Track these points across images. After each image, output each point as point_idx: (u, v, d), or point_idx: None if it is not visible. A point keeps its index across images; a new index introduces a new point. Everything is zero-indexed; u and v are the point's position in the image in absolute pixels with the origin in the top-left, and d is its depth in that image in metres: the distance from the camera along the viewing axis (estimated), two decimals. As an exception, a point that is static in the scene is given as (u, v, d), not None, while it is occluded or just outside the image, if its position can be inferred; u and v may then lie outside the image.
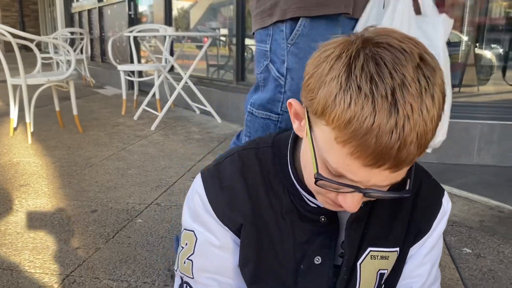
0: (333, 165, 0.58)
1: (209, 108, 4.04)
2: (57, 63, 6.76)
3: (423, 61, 0.55)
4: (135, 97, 4.94)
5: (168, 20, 5.32)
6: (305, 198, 0.74)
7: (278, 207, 0.74)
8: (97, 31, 7.54)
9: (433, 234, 0.80)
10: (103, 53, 7.46)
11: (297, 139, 0.76)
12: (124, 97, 4.50)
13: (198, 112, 4.42)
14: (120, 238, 1.81)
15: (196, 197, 0.77)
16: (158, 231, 1.87)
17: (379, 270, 0.78)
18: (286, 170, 0.74)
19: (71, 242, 1.78)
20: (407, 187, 0.63)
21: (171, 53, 4.81)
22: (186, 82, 3.97)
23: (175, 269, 0.83)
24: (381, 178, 0.57)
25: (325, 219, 0.74)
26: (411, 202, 0.78)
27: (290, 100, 0.67)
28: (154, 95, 4.38)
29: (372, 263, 0.78)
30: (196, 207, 0.77)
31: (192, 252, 0.78)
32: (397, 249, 0.78)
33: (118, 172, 2.66)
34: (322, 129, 0.58)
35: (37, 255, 1.67)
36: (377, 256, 0.78)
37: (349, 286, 0.77)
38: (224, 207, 0.74)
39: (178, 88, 3.90)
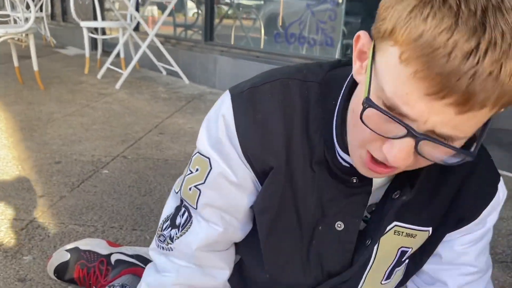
0: (388, 94, 0.48)
1: (176, 68, 3.96)
2: (15, 21, 6.41)
3: None
4: (98, 56, 4.77)
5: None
6: (338, 156, 0.63)
7: (309, 155, 0.64)
8: (58, -12, 7.18)
9: (482, 227, 0.72)
10: (65, 11, 7.13)
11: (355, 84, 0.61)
12: (87, 55, 4.34)
13: (164, 73, 4.33)
14: (85, 187, 1.78)
15: (220, 121, 0.64)
16: (125, 181, 1.85)
17: (401, 247, 0.71)
18: (328, 117, 0.63)
19: (34, 191, 1.73)
20: (472, 149, 0.52)
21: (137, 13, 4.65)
22: (152, 41, 3.86)
23: (176, 191, 0.74)
24: (442, 119, 0.47)
25: (357, 180, 0.64)
26: (460, 180, 0.67)
27: (359, 32, 0.56)
28: (118, 54, 4.25)
29: (394, 239, 0.69)
30: (219, 134, 0.64)
31: (202, 182, 0.68)
32: (429, 228, 0.70)
33: (82, 127, 2.59)
34: (386, 52, 0.49)
35: (-2, 202, 1.62)
36: (402, 232, 0.69)
37: (363, 262, 0.70)
38: (255, 145, 0.63)
39: (144, 46, 3.79)
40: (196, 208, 0.70)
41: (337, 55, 3.19)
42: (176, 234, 0.73)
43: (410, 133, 0.48)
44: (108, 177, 1.89)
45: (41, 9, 6.39)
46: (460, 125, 0.47)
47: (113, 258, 1.14)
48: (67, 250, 1.16)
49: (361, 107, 0.51)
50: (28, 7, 5.21)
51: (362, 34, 0.56)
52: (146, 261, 1.13)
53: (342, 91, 0.63)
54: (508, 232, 1.53)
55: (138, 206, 1.63)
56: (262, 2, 4.05)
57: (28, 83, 3.68)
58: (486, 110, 0.46)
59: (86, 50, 4.33)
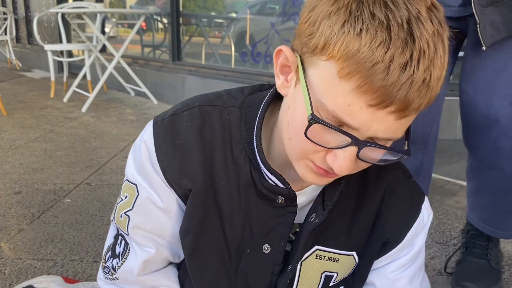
0: (329, 107, 0.50)
1: (144, 89, 3.92)
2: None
3: (435, 7, 0.51)
4: (65, 79, 4.69)
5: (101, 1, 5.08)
6: (264, 174, 0.65)
7: (235, 178, 0.65)
8: (22, 10, 7.07)
9: (411, 251, 0.71)
10: (30, 34, 7.01)
11: (273, 104, 0.65)
12: (52, 79, 4.25)
13: (132, 94, 4.28)
14: (46, 218, 1.72)
15: (143, 148, 0.66)
16: (88, 209, 1.80)
17: (325, 271, 0.71)
18: (251, 138, 0.65)
19: (-9, 225, 1.66)
20: (406, 147, 0.56)
21: (103, 34, 4.61)
22: (119, 62, 3.82)
23: (111, 219, 0.75)
24: (383, 126, 0.50)
25: (283, 200, 0.65)
26: (379, 203, 0.68)
27: (280, 47, 0.58)
28: (85, 77, 4.19)
29: (316, 263, 0.70)
30: (143, 160, 0.66)
31: (130, 208, 0.69)
32: (353, 253, 0.70)
33: (46, 154, 2.53)
34: (320, 66, 0.51)
35: (-49, 239, 1.55)
36: (324, 256, 0.70)
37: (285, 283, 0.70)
38: (174, 169, 0.65)
39: (110, 67, 3.75)
40: (128, 234, 0.71)
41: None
42: (118, 263, 0.74)
43: (354, 141, 0.51)
44: (70, 206, 1.83)
45: (5, 32, 6.27)
46: (398, 128, 0.52)
47: (69, 296, 1.10)
48: (20, 290, 1.11)
49: (300, 122, 0.54)
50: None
51: (284, 48, 0.58)
52: (103, 297, 1.09)
53: (259, 111, 0.65)
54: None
55: (100, 236, 1.58)
56: (228, 22, 4.07)
57: (-10, 110, 3.58)
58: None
59: (51, 73, 4.25)
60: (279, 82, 0.60)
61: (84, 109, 3.61)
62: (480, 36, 1.08)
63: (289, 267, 0.69)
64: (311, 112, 0.51)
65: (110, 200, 1.89)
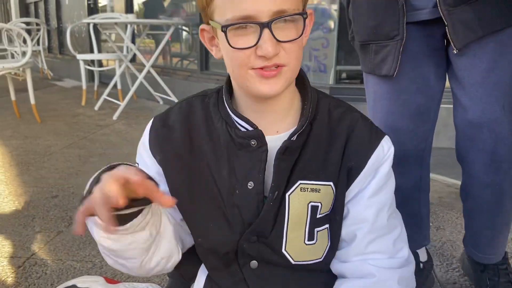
0: (230, 15, 0.66)
1: (173, 97, 3.99)
2: (12, 55, 6.49)
3: None
4: (95, 88, 4.81)
5: (129, 11, 5.21)
6: (236, 124, 0.78)
7: (217, 138, 0.80)
8: (55, 22, 7.30)
9: (374, 177, 0.80)
10: (61, 44, 7.23)
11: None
12: (84, 87, 4.37)
13: (161, 102, 4.36)
14: (83, 221, 1.76)
15: (143, 135, 0.84)
16: (123, 214, 1.84)
17: (310, 202, 0.79)
18: (222, 103, 0.80)
19: (31, 227, 1.72)
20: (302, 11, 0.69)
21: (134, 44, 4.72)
22: (148, 72, 3.90)
23: None
24: (266, 2, 0.64)
25: (255, 142, 0.77)
26: (345, 137, 0.79)
27: (201, 27, 0.75)
28: (115, 86, 4.28)
29: (301, 195, 0.79)
30: (139, 144, 0.83)
31: None
32: (330, 183, 0.78)
33: (80, 160, 2.59)
34: (217, 12, 0.68)
35: (-6, 239, 1.61)
36: (307, 188, 0.79)
37: (278, 217, 0.78)
38: (158, 139, 0.81)
39: (141, 77, 3.83)
40: None
41: (330, 81, 3.22)
42: None
43: (260, 25, 0.65)
44: (106, 210, 1.87)
45: (38, 42, 6.48)
46: (282, 2, 0.65)
47: (111, 295, 1.12)
48: (64, 289, 1.14)
49: (227, 51, 0.70)
50: (25, 41, 5.30)
51: (204, 26, 0.75)
52: (144, 297, 1.11)
53: (226, 80, 0.81)
54: None
55: (136, 239, 1.61)
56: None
57: (25, 117, 3.69)
58: None
59: (83, 82, 4.37)
60: (213, 53, 0.76)
61: (115, 117, 3.69)
62: (450, 39, 1.01)
63: (276, 193, 0.77)
64: (221, 26, 0.67)
65: (144, 205, 1.93)
